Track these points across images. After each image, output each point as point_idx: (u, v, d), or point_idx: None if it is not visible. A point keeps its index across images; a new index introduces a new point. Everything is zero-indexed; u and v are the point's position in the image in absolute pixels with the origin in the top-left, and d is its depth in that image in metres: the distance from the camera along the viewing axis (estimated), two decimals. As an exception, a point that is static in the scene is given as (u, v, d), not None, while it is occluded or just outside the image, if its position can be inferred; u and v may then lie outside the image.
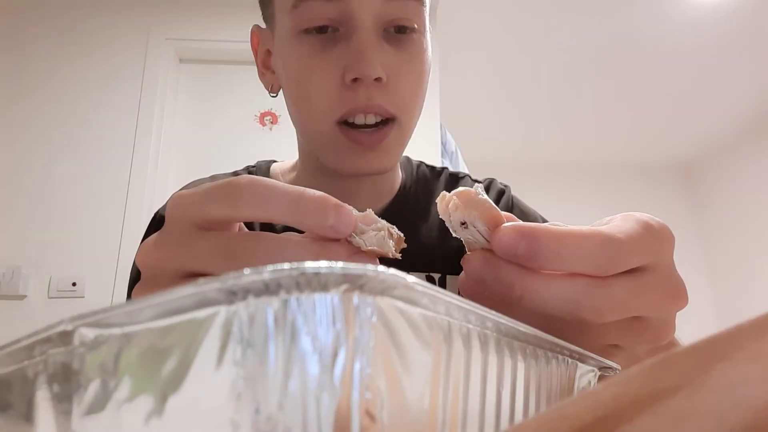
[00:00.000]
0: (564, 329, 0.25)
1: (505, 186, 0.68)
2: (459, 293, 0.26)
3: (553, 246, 0.23)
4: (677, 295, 0.27)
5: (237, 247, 0.24)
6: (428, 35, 0.56)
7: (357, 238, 0.24)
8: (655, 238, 0.25)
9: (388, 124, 0.51)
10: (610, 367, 0.29)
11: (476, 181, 0.69)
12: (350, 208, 0.24)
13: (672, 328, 0.28)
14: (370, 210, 0.25)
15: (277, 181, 0.24)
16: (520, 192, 0.69)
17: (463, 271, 0.26)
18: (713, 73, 3.02)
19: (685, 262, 3.97)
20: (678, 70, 3.00)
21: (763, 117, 3.46)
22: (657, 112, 3.45)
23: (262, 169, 0.66)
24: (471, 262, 0.25)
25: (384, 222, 0.25)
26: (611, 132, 3.72)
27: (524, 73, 3.06)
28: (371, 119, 0.50)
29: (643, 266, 0.25)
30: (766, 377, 0.11)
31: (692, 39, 2.74)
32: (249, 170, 0.66)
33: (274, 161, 0.68)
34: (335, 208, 0.23)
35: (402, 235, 0.26)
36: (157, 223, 0.60)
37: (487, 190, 0.67)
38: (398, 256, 0.25)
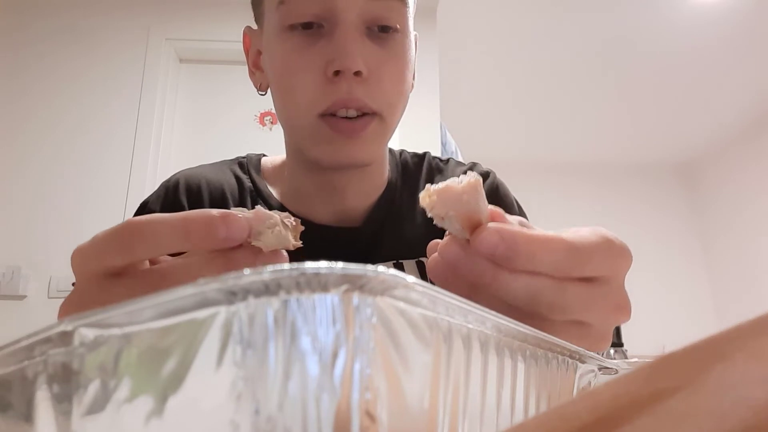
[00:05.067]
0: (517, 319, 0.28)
1: (489, 170, 0.69)
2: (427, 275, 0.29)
3: (528, 250, 0.25)
4: (621, 309, 0.30)
5: (148, 289, 0.26)
6: (411, 37, 0.57)
7: (255, 241, 0.25)
8: (613, 255, 0.29)
9: (369, 116, 0.52)
10: (610, 368, 0.29)
11: (459, 163, 0.70)
12: (239, 209, 0.26)
13: (608, 341, 0.32)
14: (259, 206, 0.27)
15: (160, 215, 0.26)
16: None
17: (436, 253, 0.29)
18: (713, 73, 3.02)
19: (685, 262, 3.97)
20: (678, 70, 3.00)
21: (763, 117, 3.46)
22: (657, 112, 3.45)
23: (253, 160, 0.67)
24: (449, 248, 0.27)
25: (275, 215, 0.26)
26: (611, 132, 3.72)
27: (524, 72, 3.05)
28: (352, 112, 0.51)
29: (597, 277, 0.28)
30: (766, 377, 0.11)
31: (693, 39, 2.74)
32: (239, 161, 0.67)
33: (264, 155, 0.69)
34: (222, 219, 0.24)
35: (296, 221, 0.27)
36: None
37: (446, 163, 0.68)
38: (299, 244, 0.27)
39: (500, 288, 0.26)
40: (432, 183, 0.68)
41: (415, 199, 0.65)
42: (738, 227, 3.68)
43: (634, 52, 2.85)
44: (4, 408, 0.17)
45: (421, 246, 0.65)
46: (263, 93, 0.61)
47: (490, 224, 0.26)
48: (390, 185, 0.65)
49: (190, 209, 0.60)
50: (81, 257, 0.27)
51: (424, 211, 0.66)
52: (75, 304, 0.28)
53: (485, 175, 0.68)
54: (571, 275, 0.27)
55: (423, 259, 0.60)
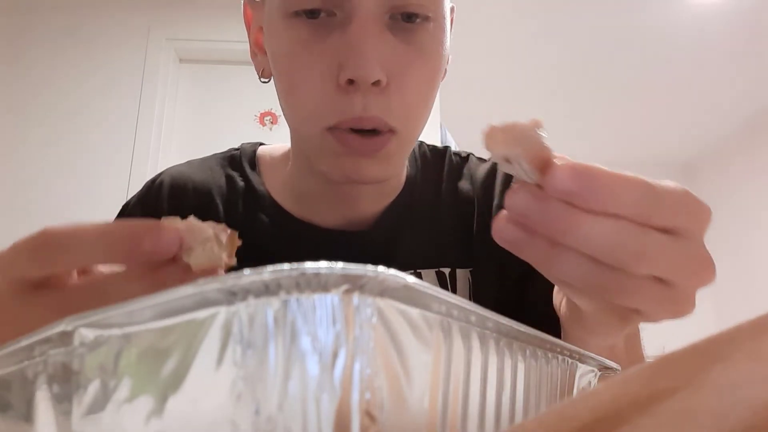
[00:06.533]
0: (601, 277, 0.25)
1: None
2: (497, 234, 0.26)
3: (607, 186, 0.23)
4: (706, 268, 0.26)
5: (70, 303, 0.24)
6: (447, 23, 0.46)
7: (186, 257, 0.23)
8: (694, 208, 0.25)
9: (386, 134, 0.43)
10: (610, 368, 0.29)
11: (481, 159, 0.61)
12: (172, 219, 0.24)
13: (692, 305, 0.28)
14: (192, 217, 0.25)
15: (83, 224, 0.24)
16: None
17: (501, 215, 0.26)
18: (713, 72, 3.02)
19: (685, 261, 3.97)
20: (678, 70, 3.00)
21: (763, 117, 3.46)
22: (657, 111, 3.45)
23: (248, 153, 0.59)
24: (517, 196, 0.24)
25: (209, 230, 0.24)
26: (611, 131, 3.72)
27: (524, 72, 3.05)
28: (367, 126, 0.43)
29: (678, 229, 0.25)
30: (766, 377, 0.11)
31: (692, 38, 2.74)
32: (232, 153, 0.59)
33: (261, 143, 0.61)
34: (149, 231, 0.23)
35: (231, 234, 0.25)
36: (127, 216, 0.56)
37: (466, 160, 0.61)
38: (233, 263, 0.24)
39: (579, 235, 0.23)
40: (456, 185, 0.62)
41: (438, 199, 0.57)
42: (738, 227, 3.67)
43: (633, 52, 2.84)
44: (4, 408, 0.17)
45: (443, 252, 0.55)
46: (266, 80, 0.52)
47: (561, 161, 0.23)
48: (409, 183, 0.56)
49: (170, 215, 0.54)
50: None
51: (448, 212, 0.57)
52: None
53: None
54: (651, 221, 0.24)
55: (444, 269, 0.53)
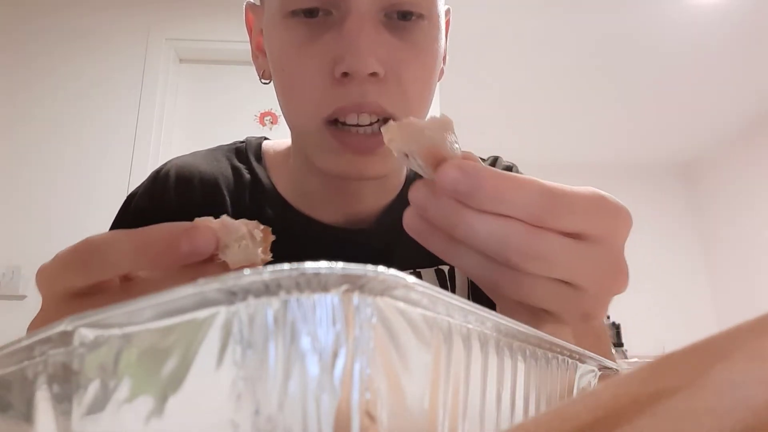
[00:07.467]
0: (496, 273, 0.25)
1: (511, 164, 0.62)
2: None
3: (492, 186, 0.23)
4: (617, 275, 0.27)
5: None
6: (442, 22, 0.48)
7: (222, 255, 0.24)
8: (607, 213, 0.26)
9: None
10: (610, 368, 0.29)
11: (481, 159, 0.63)
12: (206, 219, 0.24)
13: (605, 309, 0.28)
14: (225, 216, 0.25)
15: (121, 233, 0.24)
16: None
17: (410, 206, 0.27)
18: (713, 73, 3.02)
19: (685, 262, 3.97)
20: (678, 70, 3.00)
21: (763, 117, 3.46)
22: (657, 112, 3.45)
23: (253, 145, 0.60)
24: (417, 190, 0.26)
25: (243, 227, 0.24)
26: (611, 132, 3.72)
27: (524, 73, 3.06)
28: (365, 119, 0.43)
29: (587, 234, 0.25)
30: (766, 377, 0.11)
31: (692, 39, 2.74)
32: (237, 147, 0.60)
33: (266, 138, 0.62)
34: (186, 233, 0.23)
35: (265, 230, 0.25)
36: (132, 211, 0.56)
37: (492, 166, 0.62)
38: (268, 258, 0.25)
39: (467, 231, 0.24)
40: None
41: None
42: (738, 227, 3.67)
43: (633, 52, 2.85)
44: (4, 408, 0.17)
45: None
46: (266, 81, 0.53)
47: (453, 159, 0.24)
48: (409, 182, 0.58)
49: (179, 205, 0.53)
50: (44, 278, 0.26)
51: None
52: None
53: (508, 169, 0.61)
54: (548, 224, 0.24)
55: (443, 267, 0.55)
